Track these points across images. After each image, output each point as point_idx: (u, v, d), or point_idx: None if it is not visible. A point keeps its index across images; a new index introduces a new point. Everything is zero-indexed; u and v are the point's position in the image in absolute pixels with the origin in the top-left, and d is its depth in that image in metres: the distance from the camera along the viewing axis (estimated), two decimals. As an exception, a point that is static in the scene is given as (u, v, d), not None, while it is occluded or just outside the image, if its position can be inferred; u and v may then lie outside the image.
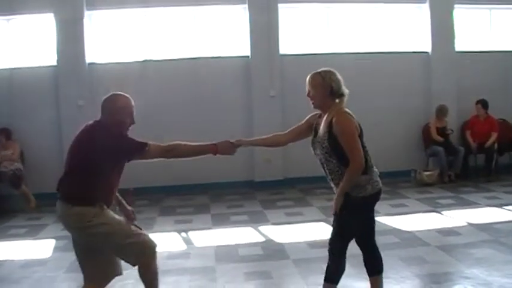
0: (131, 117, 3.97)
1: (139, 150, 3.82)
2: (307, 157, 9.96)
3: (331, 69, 3.93)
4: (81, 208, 3.70)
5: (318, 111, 4.01)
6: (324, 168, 3.94)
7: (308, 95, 3.91)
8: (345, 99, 3.92)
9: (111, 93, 3.99)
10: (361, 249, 4.13)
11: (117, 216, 3.89)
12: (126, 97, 4.00)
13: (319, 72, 3.90)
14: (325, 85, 3.83)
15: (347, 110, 3.86)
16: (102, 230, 3.70)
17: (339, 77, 3.90)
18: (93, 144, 3.73)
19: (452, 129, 9.85)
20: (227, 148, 4.09)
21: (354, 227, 3.91)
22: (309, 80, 3.90)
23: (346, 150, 3.69)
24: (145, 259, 3.83)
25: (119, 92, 4.00)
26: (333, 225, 3.94)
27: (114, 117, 3.88)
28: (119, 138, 3.80)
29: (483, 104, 9.68)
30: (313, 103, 3.93)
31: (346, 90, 3.91)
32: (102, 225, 3.70)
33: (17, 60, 9.55)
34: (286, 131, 4.28)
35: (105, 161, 3.69)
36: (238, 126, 9.41)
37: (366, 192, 3.81)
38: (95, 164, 3.68)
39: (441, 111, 9.62)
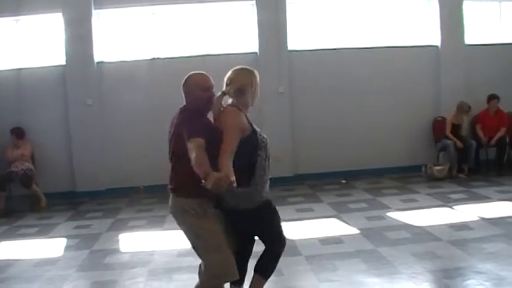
0: (205, 92, 3.78)
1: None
2: (316, 154, 9.96)
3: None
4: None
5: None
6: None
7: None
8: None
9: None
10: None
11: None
12: (197, 74, 3.90)
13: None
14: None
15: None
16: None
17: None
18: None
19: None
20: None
21: None
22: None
23: None
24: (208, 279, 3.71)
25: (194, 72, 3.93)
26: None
27: (188, 97, 3.85)
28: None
29: (495, 98, 9.61)
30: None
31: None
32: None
33: (26, 60, 9.57)
34: None
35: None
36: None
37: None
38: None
39: (461, 108, 9.53)
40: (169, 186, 3.81)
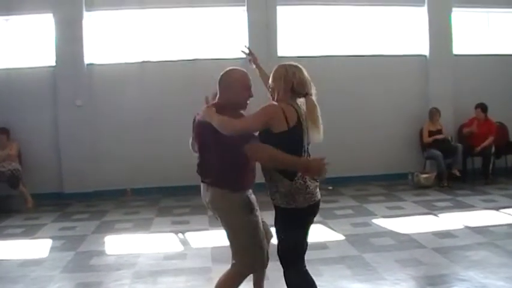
0: (247, 91, 3.80)
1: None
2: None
3: (298, 65, 3.67)
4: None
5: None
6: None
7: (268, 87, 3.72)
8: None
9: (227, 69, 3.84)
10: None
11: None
12: (239, 70, 3.88)
13: (284, 65, 3.65)
14: (287, 80, 3.55)
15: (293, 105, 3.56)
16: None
17: (305, 75, 3.63)
18: None
19: (450, 138, 9.85)
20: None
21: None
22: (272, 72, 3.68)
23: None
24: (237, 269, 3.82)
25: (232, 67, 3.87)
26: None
27: (227, 92, 3.76)
28: None
29: (482, 108, 9.70)
30: (271, 96, 3.66)
31: (310, 91, 3.62)
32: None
33: (16, 60, 9.54)
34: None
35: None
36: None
37: (297, 203, 3.48)
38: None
39: (431, 114, 9.67)
40: (207, 180, 3.78)
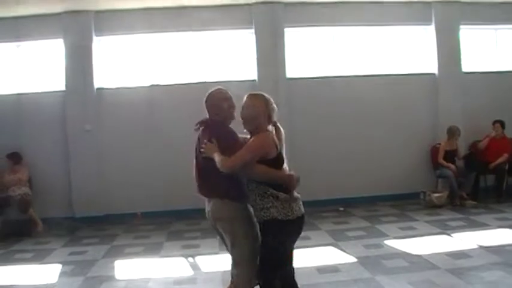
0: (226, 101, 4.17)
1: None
2: (314, 181, 9.86)
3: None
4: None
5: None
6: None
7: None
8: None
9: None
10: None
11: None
12: (217, 88, 4.31)
13: (262, 96, 3.97)
14: (269, 110, 3.92)
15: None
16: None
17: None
18: None
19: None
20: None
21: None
22: (249, 101, 3.94)
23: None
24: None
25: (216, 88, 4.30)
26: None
27: (213, 109, 4.21)
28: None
29: (502, 123, 9.63)
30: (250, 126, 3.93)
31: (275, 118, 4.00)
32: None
33: (26, 85, 9.63)
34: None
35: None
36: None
37: (294, 212, 3.82)
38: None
39: (449, 132, 9.57)
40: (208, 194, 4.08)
